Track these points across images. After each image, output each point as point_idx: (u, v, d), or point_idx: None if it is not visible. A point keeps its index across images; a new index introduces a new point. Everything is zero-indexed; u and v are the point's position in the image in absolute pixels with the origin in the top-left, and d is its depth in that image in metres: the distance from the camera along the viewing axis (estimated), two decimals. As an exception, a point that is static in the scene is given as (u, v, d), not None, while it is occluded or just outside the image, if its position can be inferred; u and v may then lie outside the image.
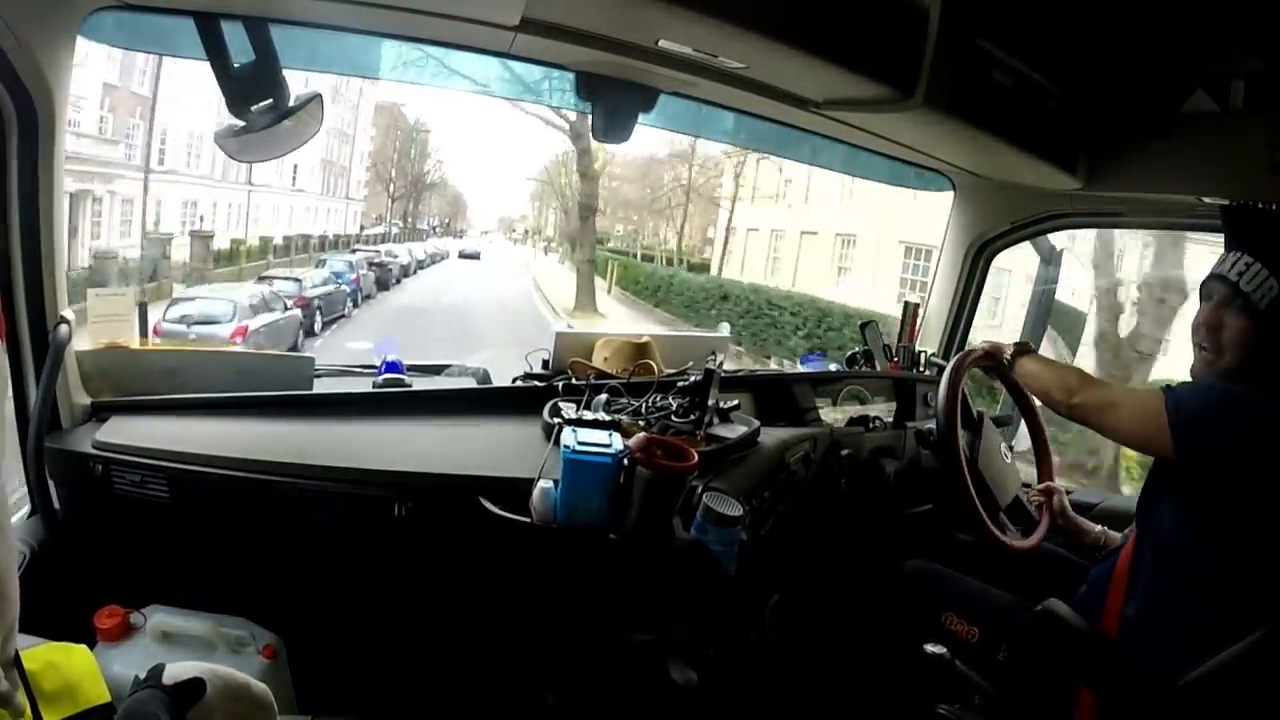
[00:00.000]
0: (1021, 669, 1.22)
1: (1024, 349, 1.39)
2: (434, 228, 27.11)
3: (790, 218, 15.50)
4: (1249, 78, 1.31)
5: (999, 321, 5.29)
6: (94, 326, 1.40)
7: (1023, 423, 1.60)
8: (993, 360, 1.42)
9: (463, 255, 24.25)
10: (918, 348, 2.07)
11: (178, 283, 10.43)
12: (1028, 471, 1.55)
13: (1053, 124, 1.45)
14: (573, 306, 13.12)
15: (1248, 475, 1.01)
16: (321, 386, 1.56)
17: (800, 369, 2.10)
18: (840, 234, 13.91)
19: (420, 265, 18.68)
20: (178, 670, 0.84)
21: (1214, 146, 1.36)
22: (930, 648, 1.23)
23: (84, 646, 0.84)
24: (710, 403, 1.37)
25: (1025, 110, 1.38)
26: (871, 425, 1.75)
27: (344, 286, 11.73)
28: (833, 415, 1.78)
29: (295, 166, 18.49)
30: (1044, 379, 1.30)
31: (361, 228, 21.87)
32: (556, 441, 1.19)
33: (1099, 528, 1.43)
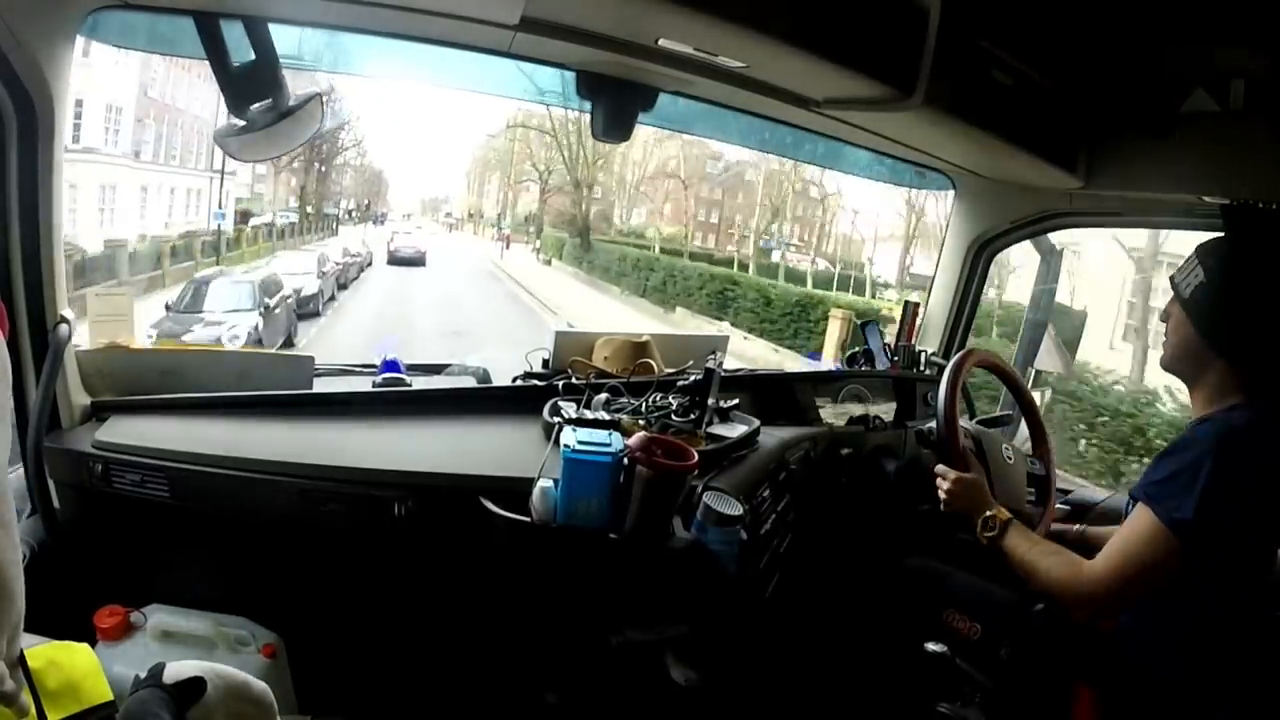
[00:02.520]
0: (1023, 666, 1.22)
1: (1002, 525, 1.21)
2: (349, 212, 20.32)
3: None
4: (1249, 78, 1.31)
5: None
6: (94, 326, 1.40)
7: (1022, 422, 1.60)
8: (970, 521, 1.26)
9: (397, 260, 14.76)
10: (918, 347, 2.07)
11: None
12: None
13: (1053, 123, 1.45)
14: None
15: (1245, 514, 1.01)
16: (321, 386, 1.56)
17: (801, 368, 2.10)
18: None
19: (308, 310, 9.27)
20: (178, 669, 0.84)
21: (1214, 146, 1.36)
22: (931, 646, 1.23)
23: (86, 645, 0.84)
24: (710, 402, 1.38)
25: (1025, 109, 1.38)
26: (872, 424, 1.75)
27: None
28: (833, 414, 1.78)
29: (80, 103, 9.29)
30: (1035, 574, 1.15)
31: (242, 218, 14.08)
32: (556, 441, 1.19)
33: (1076, 527, 1.45)
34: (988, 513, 1.24)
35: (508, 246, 20.38)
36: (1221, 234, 1.13)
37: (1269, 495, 1.01)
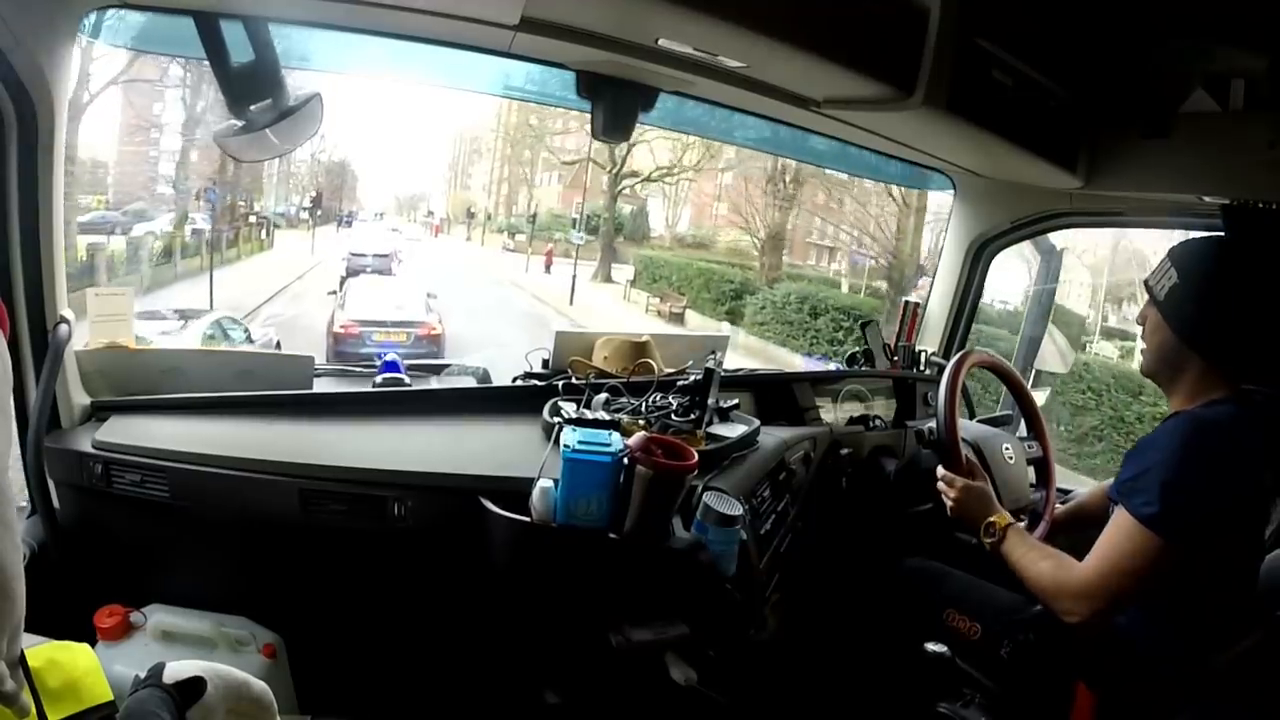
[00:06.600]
0: (1023, 666, 1.22)
1: (1002, 530, 1.22)
2: (304, 209, 15.79)
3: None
4: (1249, 77, 1.31)
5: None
6: (94, 326, 1.40)
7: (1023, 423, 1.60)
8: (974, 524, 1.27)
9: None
10: (918, 347, 2.08)
11: None
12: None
13: (1053, 123, 1.45)
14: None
15: (1217, 506, 1.02)
16: (321, 386, 1.56)
17: (801, 368, 2.10)
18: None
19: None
20: (178, 669, 0.84)
21: (1214, 146, 1.36)
22: (931, 646, 1.23)
23: (86, 645, 0.84)
24: (710, 402, 1.37)
25: (1025, 109, 1.38)
26: (871, 424, 1.75)
27: None
28: (833, 414, 1.78)
29: None
30: (1028, 576, 1.16)
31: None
32: (556, 441, 1.19)
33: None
34: (990, 519, 1.24)
35: (548, 269, 13.36)
36: (1194, 235, 1.14)
37: (1243, 487, 1.01)
